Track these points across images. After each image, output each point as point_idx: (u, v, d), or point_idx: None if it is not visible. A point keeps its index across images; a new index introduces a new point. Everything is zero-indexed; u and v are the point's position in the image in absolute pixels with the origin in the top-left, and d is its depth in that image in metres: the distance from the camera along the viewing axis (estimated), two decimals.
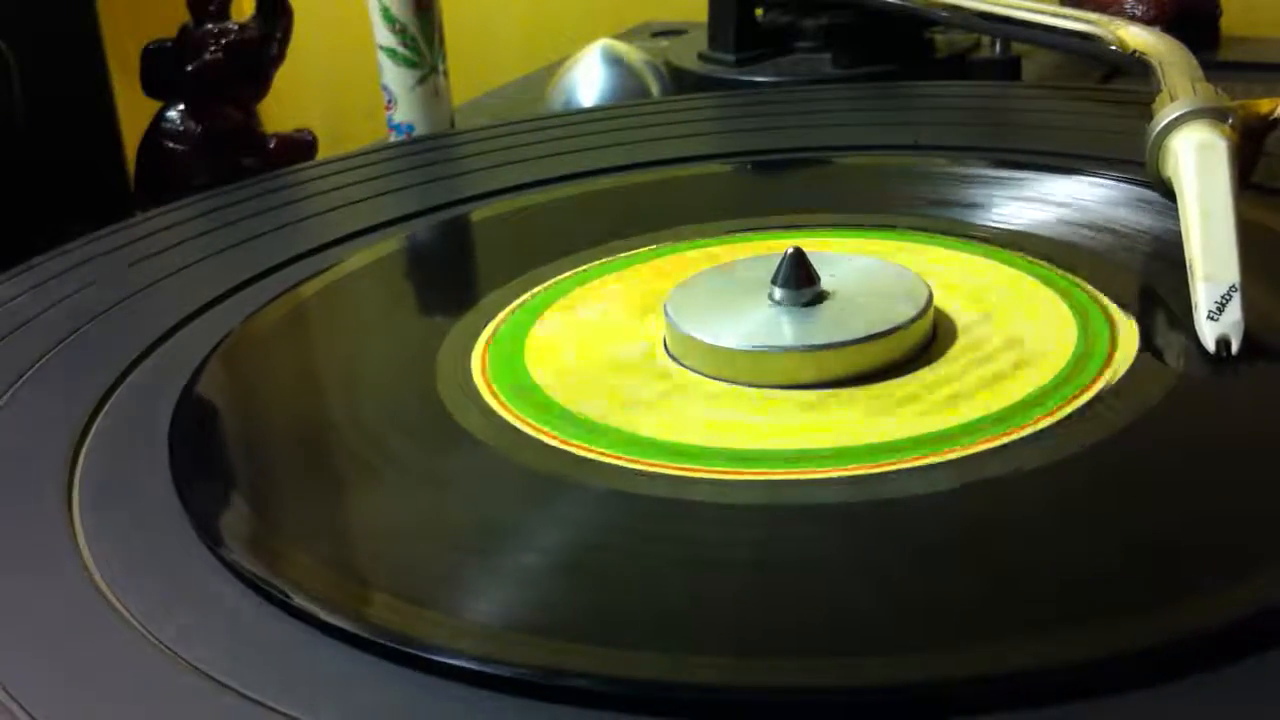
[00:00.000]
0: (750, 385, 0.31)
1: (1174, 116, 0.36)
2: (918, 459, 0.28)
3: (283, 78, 0.62)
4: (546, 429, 0.31)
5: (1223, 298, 0.31)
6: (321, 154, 0.62)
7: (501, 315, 0.37)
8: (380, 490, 0.30)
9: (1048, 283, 0.35)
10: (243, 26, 0.60)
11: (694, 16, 0.71)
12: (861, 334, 0.31)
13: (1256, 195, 0.37)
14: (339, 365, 0.36)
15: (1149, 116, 0.37)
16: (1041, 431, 0.29)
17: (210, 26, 0.59)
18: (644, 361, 0.33)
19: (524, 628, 0.24)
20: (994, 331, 0.33)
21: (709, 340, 0.32)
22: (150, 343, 0.36)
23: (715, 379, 0.32)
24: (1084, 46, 0.49)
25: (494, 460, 0.30)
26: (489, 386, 0.33)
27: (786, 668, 0.23)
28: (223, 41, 0.59)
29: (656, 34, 0.78)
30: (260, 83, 0.61)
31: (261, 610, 0.25)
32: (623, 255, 0.40)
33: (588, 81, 0.61)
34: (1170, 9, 0.64)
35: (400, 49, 0.57)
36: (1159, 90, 0.39)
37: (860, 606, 0.24)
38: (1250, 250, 0.32)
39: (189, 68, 0.58)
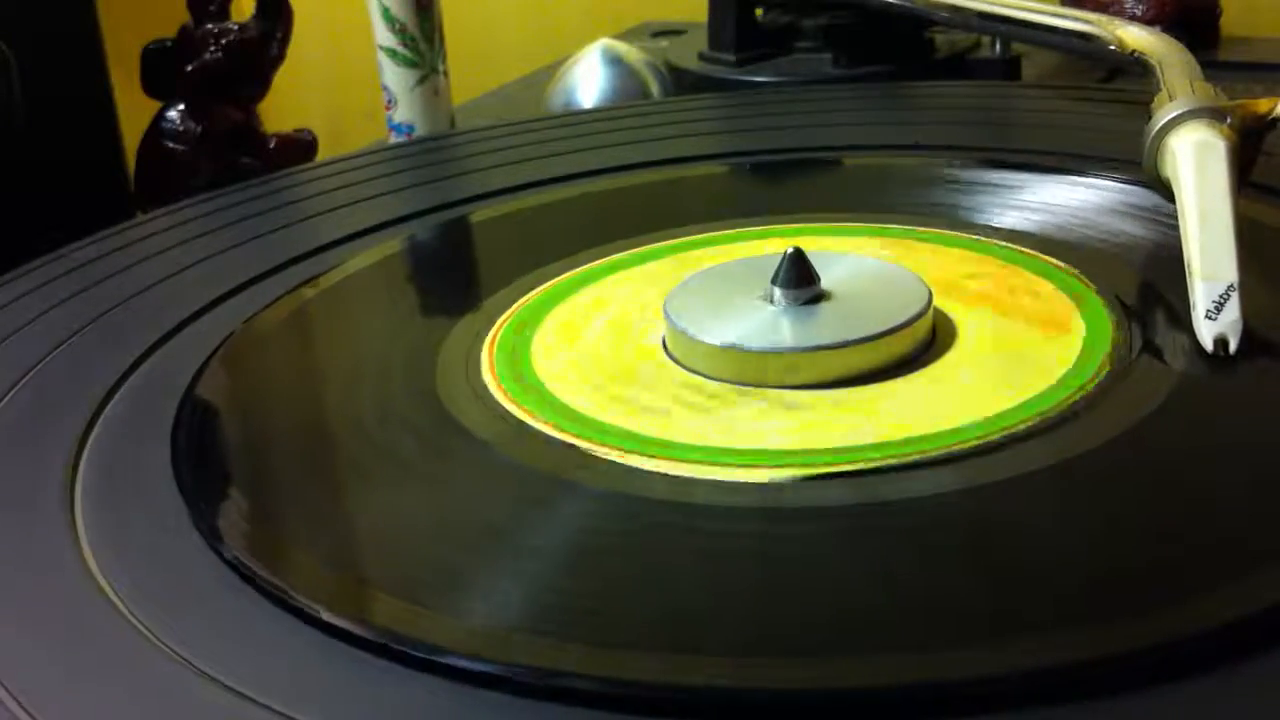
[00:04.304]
0: (750, 385, 0.31)
1: (1172, 116, 0.36)
2: (918, 459, 0.28)
3: (283, 78, 0.62)
4: (548, 429, 0.31)
5: (1221, 297, 0.31)
6: (321, 154, 0.62)
7: (502, 316, 0.37)
8: (382, 491, 0.30)
9: (1048, 282, 0.35)
10: (243, 26, 0.60)
11: (694, 16, 0.71)
12: (861, 334, 0.31)
13: (1255, 194, 0.37)
14: (341, 366, 0.36)
15: (1148, 116, 0.37)
16: (1041, 432, 0.29)
17: (210, 26, 0.59)
18: (644, 361, 0.33)
19: (526, 628, 0.24)
20: (994, 331, 0.33)
21: (709, 340, 0.32)
22: (151, 344, 0.36)
23: (715, 379, 0.32)
24: (1084, 46, 0.49)
25: (496, 460, 0.30)
26: (490, 386, 0.33)
27: (786, 668, 0.23)
28: (223, 41, 0.59)
29: (656, 34, 0.78)
30: (260, 83, 0.61)
31: (263, 610, 0.25)
32: (622, 255, 0.40)
33: (588, 81, 0.61)
34: (1170, 9, 0.64)
35: (400, 49, 0.57)
36: (1158, 90, 0.39)
37: (861, 606, 0.24)
38: (1249, 250, 0.32)
39: (189, 68, 0.58)
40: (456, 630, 0.24)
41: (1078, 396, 0.30)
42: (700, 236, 0.41)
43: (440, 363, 0.34)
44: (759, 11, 0.66)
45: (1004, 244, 0.38)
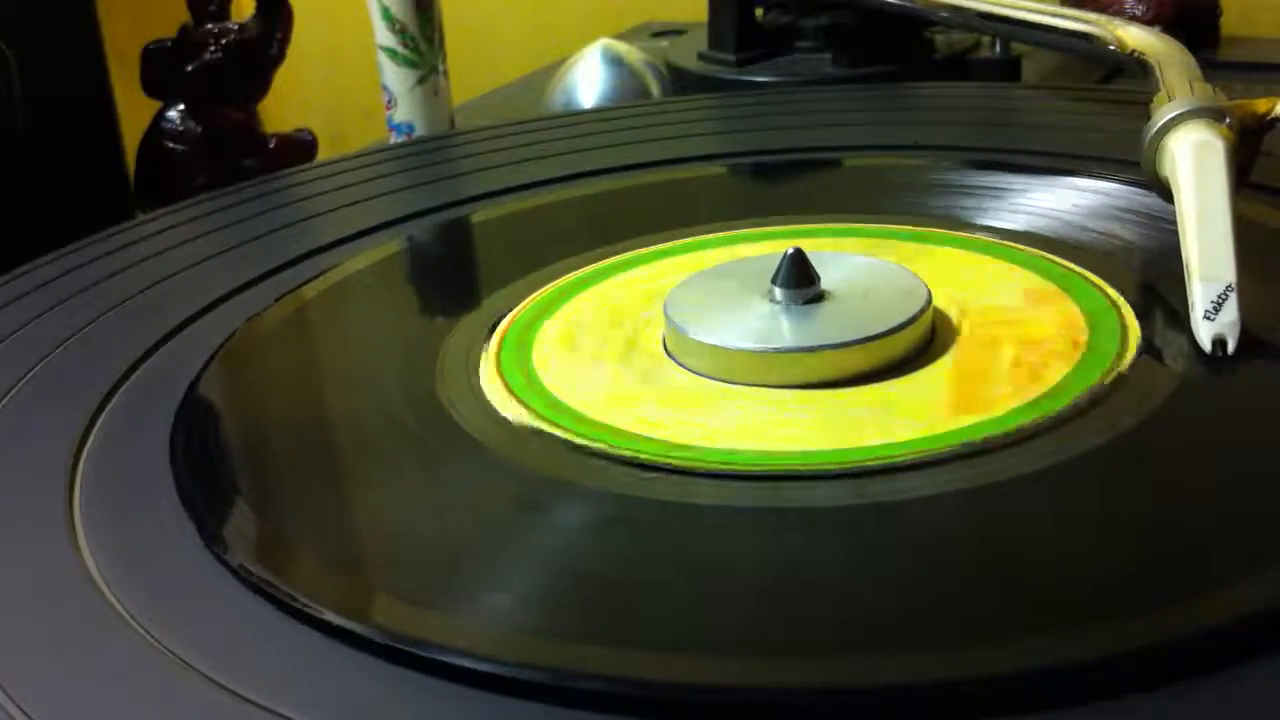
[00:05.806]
0: (750, 385, 0.31)
1: (1171, 116, 0.36)
2: (918, 459, 0.28)
3: (283, 78, 0.62)
4: (550, 430, 0.31)
5: (1219, 297, 0.31)
6: (321, 154, 0.62)
7: (503, 316, 0.37)
8: (382, 492, 0.30)
9: (1047, 282, 0.35)
10: (243, 26, 0.60)
11: (694, 16, 0.71)
12: (861, 334, 0.31)
13: (1254, 194, 0.37)
14: (341, 367, 0.36)
15: (1147, 116, 0.37)
16: (1043, 432, 0.29)
17: (210, 26, 0.59)
18: (644, 361, 0.34)
19: (528, 629, 0.24)
20: (994, 332, 0.33)
21: (709, 340, 0.32)
22: (151, 344, 0.36)
23: (715, 379, 0.32)
24: (1084, 46, 0.49)
25: (498, 461, 0.30)
26: (492, 387, 0.33)
27: (790, 668, 0.23)
28: (223, 41, 0.59)
29: (656, 34, 0.78)
30: (260, 83, 0.61)
31: (262, 611, 0.25)
32: (622, 256, 0.40)
33: (588, 81, 0.62)
34: (1170, 9, 0.64)
35: (400, 49, 0.57)
36: (1157, 90, 0.39)
37: (863, 607, 0.24)
38: (1247, 250, 0.32)
39: (189, 68, 0.58)
40: (460, 631, 0.24)
41: (1077, 397, 0.30)
42: (700, 237, 0.41)
43: (441, 363, 0.34)
44: (759, 11, 0.66)
45: (1004, 244, 0.38)
